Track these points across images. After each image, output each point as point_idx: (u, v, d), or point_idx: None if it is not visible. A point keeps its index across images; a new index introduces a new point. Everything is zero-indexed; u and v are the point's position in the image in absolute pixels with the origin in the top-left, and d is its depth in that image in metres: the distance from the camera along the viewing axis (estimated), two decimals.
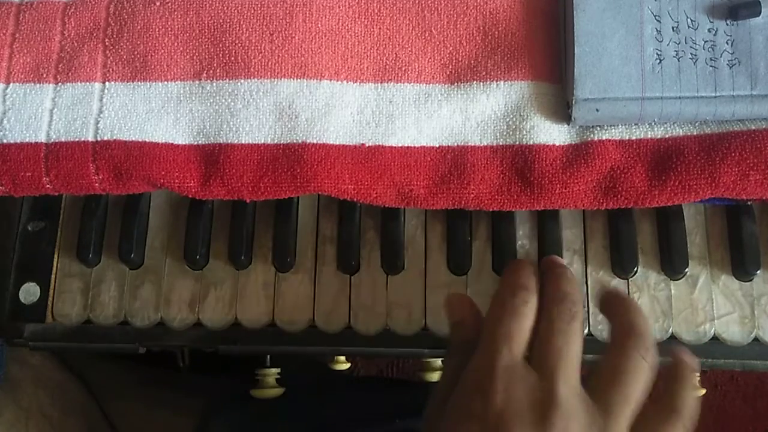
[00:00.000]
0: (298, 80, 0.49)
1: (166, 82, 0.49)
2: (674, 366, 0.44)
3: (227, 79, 0.49)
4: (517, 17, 0.50)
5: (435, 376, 0.54)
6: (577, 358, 0.42)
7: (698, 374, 0.53)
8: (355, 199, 0.48)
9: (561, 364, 0.41)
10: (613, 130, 0.48)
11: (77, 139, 0.48)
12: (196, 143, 0.49)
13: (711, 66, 0.47)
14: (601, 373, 0.42)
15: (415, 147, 0.48)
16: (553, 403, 0.39)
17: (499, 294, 0.45)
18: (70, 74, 0.49)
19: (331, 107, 0.49)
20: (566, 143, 0.48)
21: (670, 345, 0.46)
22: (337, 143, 0.48)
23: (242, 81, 0.49)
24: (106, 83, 0.49)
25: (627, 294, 0.49)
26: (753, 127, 0.47)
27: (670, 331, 0.48)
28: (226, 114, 0.49)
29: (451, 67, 0.50)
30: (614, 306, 0.45)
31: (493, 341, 0.42)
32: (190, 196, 0.49)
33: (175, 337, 0.51)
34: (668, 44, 0.47)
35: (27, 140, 0.48)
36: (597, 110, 0.47)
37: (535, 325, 0.43)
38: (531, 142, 0.48)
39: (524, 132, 0.48)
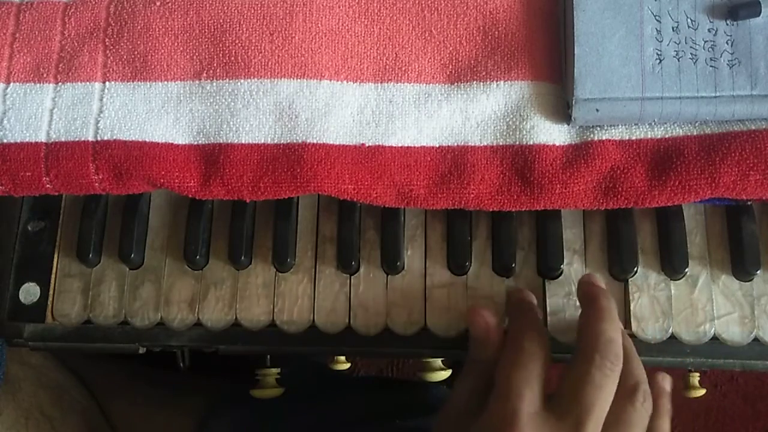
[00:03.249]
0: (298, 80, 0.49)
1: (166, 82, 0.49)
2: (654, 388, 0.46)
3: (227, 79, 0.49)
4: (517, 17, 0.50)
5: (435, 376, 0.54)
6: (605, 414, 0.41)
7: (698, 374, 0.53)
8: (355, 199, 0.48)
9: (590, 420, 0.41)
10: (613, 130, 0.48)
11: (77, 139, 0.48)
12: (196, 143, 0.49)
13: (711, 66, 0.47)
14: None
15: (415, 147, 0.48)
16: None
17: (516, 335, 0.45)
18: (70, 74, 0.49)
19: (331, 107, 0.49)
20: (566, 143, 0.48)
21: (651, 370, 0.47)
22: (337, 143, 0.48)
23: (242, 81, 0.49)
24: (107, 83, 0.49)
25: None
26: (753, 127, 0.47)
27: (670, 331, 0.48)
28: (226, 114, 0.49)
29: (451, 67, 0.50)
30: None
31: (516, 386, 0.42)
32: (190, 196, 0.49)
33: (175, 337, 0.51)
34: (668, 44, 0.47)
35: (27, 140, 0.48)
36: (597, 110, 0.47)
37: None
38: (531, 142, 0.48)
39: (524, 132, 0.48)
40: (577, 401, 0.41)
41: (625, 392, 0.43)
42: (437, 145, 0.48)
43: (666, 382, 0.48)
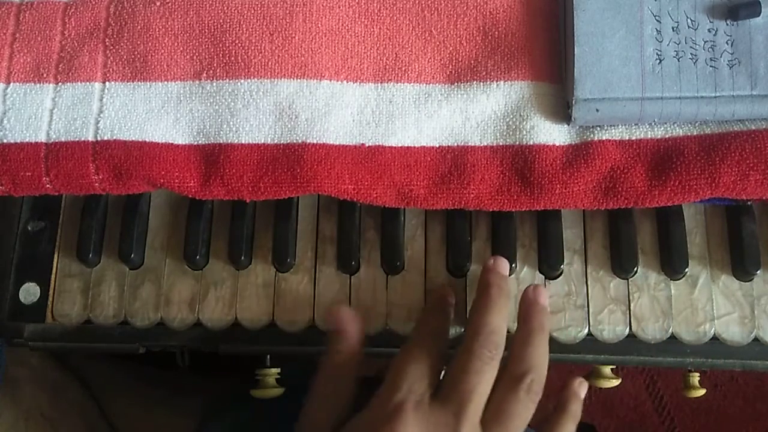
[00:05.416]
0: (298, 80, 0.49)
1: (166, 82, 0.49)
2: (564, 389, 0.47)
3: (227, 79, 0.49)
4: (517, 17, 0.50)
5: None
6: (484, 400, 0.43)
7: (698, 374, 0.53)
8: (355, 199, 0.48)
9: (468, 407, 0.42)
10: (613, 130, 0.48)
11: (77, 139, 0.48)
12: (196, 143, 0.49)
13: (711, 66, 0.47)
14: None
15: (415, 147, 0.48)
16: None
17: (419, 330, 0.46)
18: (70, 74, 0.49)
19: (331, 107, 0.49)
20: (566, 143, 0.48)
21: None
22: (337, 143, 0.48)
23: (242, 81, 0.49)
24: (107, 83, 0.49)
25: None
26: (753, 127, 0.47)
27: (670, 331, 0.48)
28: (226, 114, 0.49)
29: (451, 67, 0.50)
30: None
31: (405, 378, 0.43)
32: (190, 196, 0.49)
33: (175, 337, 0.51)
34: (668, 44, 0.47)
35: (27, 140, 0.48)
36: (597, 110, 0.47)
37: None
38: (531, 142, 0.48)
39: (524, 132, 0.48)
40: (456, 389, 0.42)
41: (509, 380, 0.43)
42: (437, 145, 0.48)
43: (582, 387, 0.49)
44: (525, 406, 0.43)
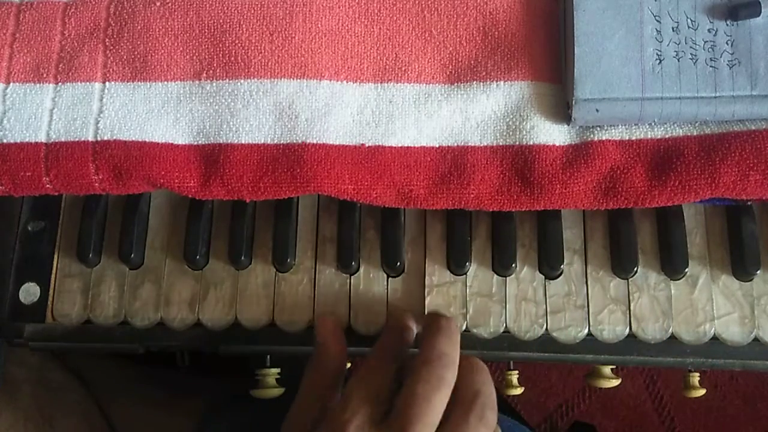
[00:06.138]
0: (298, 80, 0.49)
1: (166, 82, 0.49)
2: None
3: (227, 79, 0.49)
4: (517, 17, 0.50)
5: None
6: (433, 426, 0.41)
7: (698, 374, 0.53)
8: (355, 199, 0.48)
9: (416, 429, 0.40)
10: (613, 131, 0.48)
11: (77, 139, 0.48)
12: (196, 143, 0.49)
13: (711, 66, 0.47)
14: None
15: (415, 147, 0.48)
16: None
17: (375, 352, 0.46)
18: (70, 74, 0.49)
19: (331, 107, 0.49)
20: (566, 143, 0.48)
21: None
22: (337, 143, 0.48)
23: (242, 81, 0.49)
24: (107, 83, 0.49)
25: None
26: (753, 127, 0.47)
27: (670, 331, 0.48)
28: (226, 114, 0.49)
29: (451, 67, 0.50)
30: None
31: (353, 400, 0.42)
32: (190, 196, 0.49)
33: (175, 337, 0.51)
34: (668, 44, 0.47)
35: (27, 140, 0.48)
36: (597, 110, 0.47)
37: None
38: (531, 142, 0.48)
39: (524, 132, 0.48)
40: (402, 414, 0.41)
41: (461, 405, 0.42)
42: (437, 146, 0.48)
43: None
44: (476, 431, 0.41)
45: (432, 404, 0.41)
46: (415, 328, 0.48)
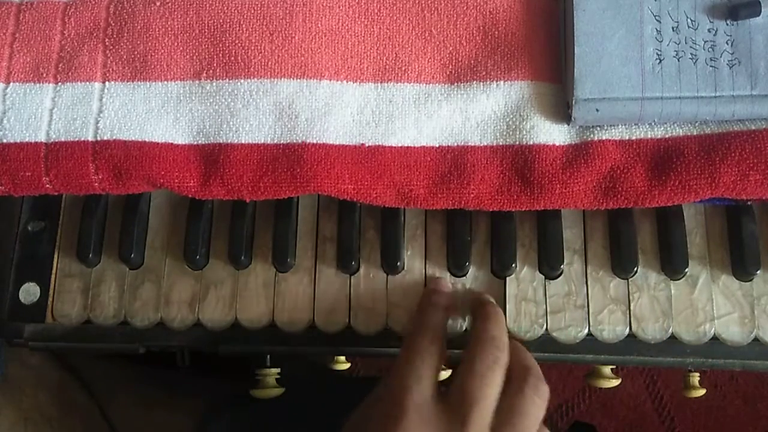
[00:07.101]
0: (298, 80, 0.49)
1: (165, 82, 0.49)
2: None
3: (227, 79, 0.49)
4: (517, 17, 0.50)
5: None
6: (492, 406, 0.43)
7: (698, 374, 0.53)
8: (355, 199, 0.48)
9: (474, 411, 0.42)
10: (613, 130, 0.48)
11: (77, 139, 0.48)
12: (195, 143, 0.49)
13: (711, 66, 0.47)
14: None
15: (415, 147, 0.48)
16: None
17: (415, 327, 0.46)
18: (70, 74, 0.49)
19: (331, 107, 0.49)
20: (566, 143, 0.48)
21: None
22: (337, 143, 0.48)
23: (242, 81, 0.49)
24: (106, 83, 0.49)
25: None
26: (753, 127, 0.47)
27: (670, 331, 0.48)
28: (226, 114, 0.49)
29: (451, 67, 0.50)
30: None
31: (404, 379, 0.43)
32: (190, 196, 0.49)
33: (175, 337, 0.51)
34: (668, 44, 0.47)
35: (27, 140, 0.48)
36: (597, 110, 0.47)
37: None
38: (531, 142, 0.48)
39: (524, 132, 0.48)
40: (462, 393, 0.43)
41: (515, 381, 0.44)
42: (437, 145, 0.48)
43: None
44: (533, 403, 0.43)
45: (490, 380, 0.43)
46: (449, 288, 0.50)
